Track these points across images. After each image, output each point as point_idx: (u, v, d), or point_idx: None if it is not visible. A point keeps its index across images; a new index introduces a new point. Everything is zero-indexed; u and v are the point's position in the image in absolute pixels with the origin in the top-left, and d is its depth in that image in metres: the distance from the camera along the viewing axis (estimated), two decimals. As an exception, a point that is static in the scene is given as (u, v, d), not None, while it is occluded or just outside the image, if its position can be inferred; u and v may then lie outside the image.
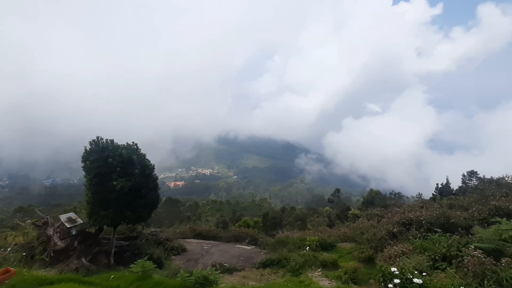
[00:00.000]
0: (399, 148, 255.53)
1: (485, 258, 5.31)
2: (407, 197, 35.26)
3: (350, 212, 25.89)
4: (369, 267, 10.26)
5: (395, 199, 34.10)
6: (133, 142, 13.24)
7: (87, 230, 13.93)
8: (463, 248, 6.53)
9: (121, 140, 12.87)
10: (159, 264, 12.04)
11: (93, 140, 12.37)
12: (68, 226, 13.17)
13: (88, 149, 12.24)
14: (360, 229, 14.90)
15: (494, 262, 5.31)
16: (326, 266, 11.39)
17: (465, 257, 5.76)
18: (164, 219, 40.24)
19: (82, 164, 12.26)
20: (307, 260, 12.01)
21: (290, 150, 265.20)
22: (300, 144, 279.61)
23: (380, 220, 15.15)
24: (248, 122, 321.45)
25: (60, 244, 12.77)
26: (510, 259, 5.28)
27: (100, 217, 12.03)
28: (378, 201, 32.91)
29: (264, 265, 12.79)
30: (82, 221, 13.77)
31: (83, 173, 12.54)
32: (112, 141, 12.69)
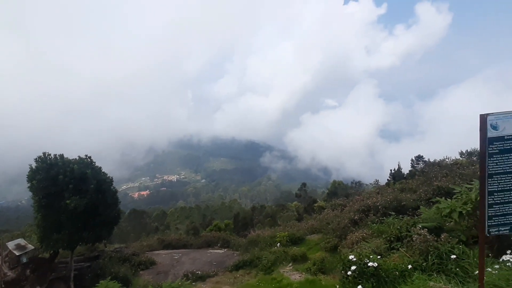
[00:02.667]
0: (355, 139, 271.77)
1: (429, 236, 6.02)
2: (366, 185, 37.77)
3: (316, 204, 26.87)
4: (334, 255, 10.84)
5: (356, 187, 36.37)
6: (86, 155, 12.41)
7: (40, 256, 12.70)
8: (412, 228, 7.31)
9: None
10: (126, 282, 11.45)
11: (39, 157, 11.34)
12: (17, 253, 11.88)
13: (33, 167, 11.19)
14: (326, 220, 15.60)
15: (436, 239, 6.03)
16: (296, 260, 11.77)
17: (413, 236, 6.46)
18: (129, 233, 37.96)
19: (28, 184, 11.19)
20: (278, 257, 12.30)
21: (254, 150, 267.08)
22: (264, 143, 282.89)
23: (343, 209, 16.05)
24: (211, 125, 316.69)
25: (11, 274, 11.49)
26: (447, 234, 6.08)
27: (53, 241, 11.05)
28: (341, 191, 34.71)
29: (237, 267, 12.83)
30: (33, 247, 12.51)
31: (30, 193, 11.45)
32: (62, 156, 11.76)
